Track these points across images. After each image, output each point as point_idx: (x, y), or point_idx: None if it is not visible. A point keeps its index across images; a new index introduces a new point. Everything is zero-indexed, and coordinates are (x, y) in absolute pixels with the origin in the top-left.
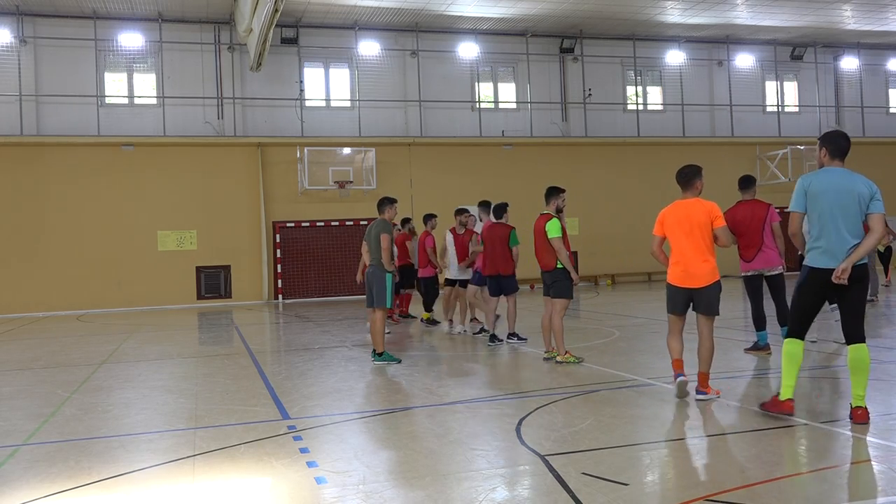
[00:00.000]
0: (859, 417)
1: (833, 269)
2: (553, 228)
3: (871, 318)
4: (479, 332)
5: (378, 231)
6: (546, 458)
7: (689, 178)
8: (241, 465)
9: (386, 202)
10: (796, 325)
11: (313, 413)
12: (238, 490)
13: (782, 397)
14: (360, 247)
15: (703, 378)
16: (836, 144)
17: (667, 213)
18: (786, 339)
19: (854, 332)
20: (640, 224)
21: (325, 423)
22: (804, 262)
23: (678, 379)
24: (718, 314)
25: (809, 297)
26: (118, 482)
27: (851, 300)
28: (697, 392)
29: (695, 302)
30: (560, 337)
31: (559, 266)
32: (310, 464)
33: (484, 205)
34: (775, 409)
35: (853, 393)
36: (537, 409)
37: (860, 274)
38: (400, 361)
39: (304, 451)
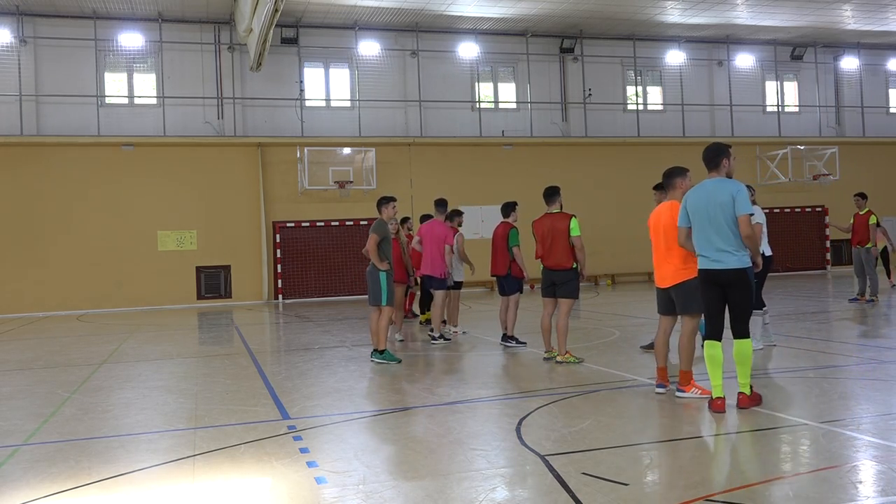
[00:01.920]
0: (741, 402)
1: (715, 271)
2: (576, 227)
3: (872, 319)
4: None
5: (371, 230)
6: (546, 458)
7: (666, 182)
8: (242, 465)
9: (382, 201)
10: (707, 327)
11: (313, 413)
12: (238, 490)
13: (714, 396)
14: (360, 247)
15: (682, 376)
16: (705, 158)
17: (650, 219)
18: (705, 342)
19: (737, 329)
20: (640, 224)
21: (325, 423)
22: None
23: (657, 390)
24: (694, 313)
25: (705, 297)
26: (118, 482)
27: (735, 301)
28: (677, 390)
29: (673, 301)
30: (563, 337)
31: (574, 266)
32: (310, 464)
33: (438, 204)
34: (714, 408)
35: (738, 381)
36: (537, 409)
37: (736, 277)
38: (400, 361)
39: (304, 451)
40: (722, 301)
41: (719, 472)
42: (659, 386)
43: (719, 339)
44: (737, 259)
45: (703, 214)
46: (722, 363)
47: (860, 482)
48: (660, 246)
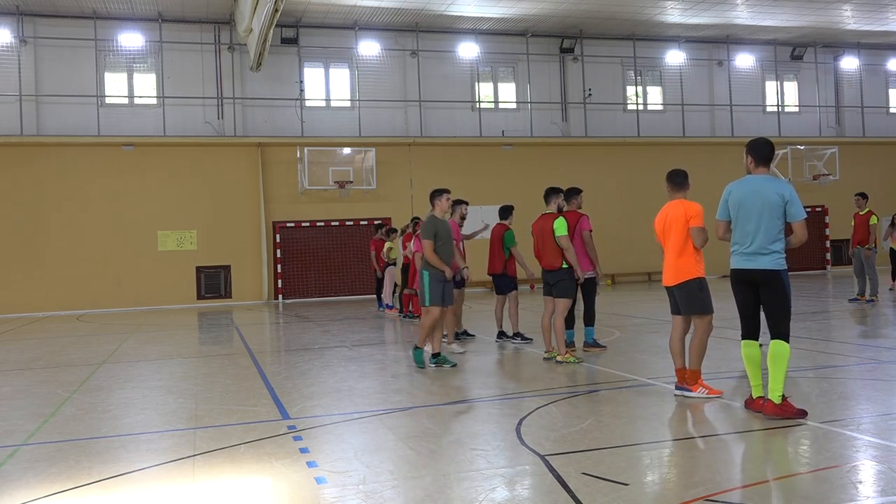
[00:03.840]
0: (766, 409)
1: (747, 270)
2: (561, 226)
3: (872, 319)
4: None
5: (421, 236)
6: (546, 458)
7: (680, 180)
8: (242, 465)
9: (434, 194)
10: (742, 326)
11: (313, 413)
12: (238, 490)
13: (753, 395)
14: (360, 247)
15: (690, 375)
16: (760, 152)
17: (657, 219)
18: (742, 342)
19: (773, 329)
20: (640, 224)
21: (325, 423)
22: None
23: (675, 392)
24: (703, 312)
25: (738, 297)
26: (118, 482)
27: (767, 302)
28: (676, 388)
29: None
30: (561, 337)
31: (564, 266)
32: (310, 464)
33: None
34: (750, 407)
35: (769, 386)
36: (537, 409)
37: (769, 278)
38: (455, 365)
39: (304, 451)
40: (755, 301)
41: (719, 472)
42: (678, 388)
43: (755, 338)
44: (770, 260)
45: (746, 209)
46: (760, 362)
47: (860, 482)
48: (668, 244)
